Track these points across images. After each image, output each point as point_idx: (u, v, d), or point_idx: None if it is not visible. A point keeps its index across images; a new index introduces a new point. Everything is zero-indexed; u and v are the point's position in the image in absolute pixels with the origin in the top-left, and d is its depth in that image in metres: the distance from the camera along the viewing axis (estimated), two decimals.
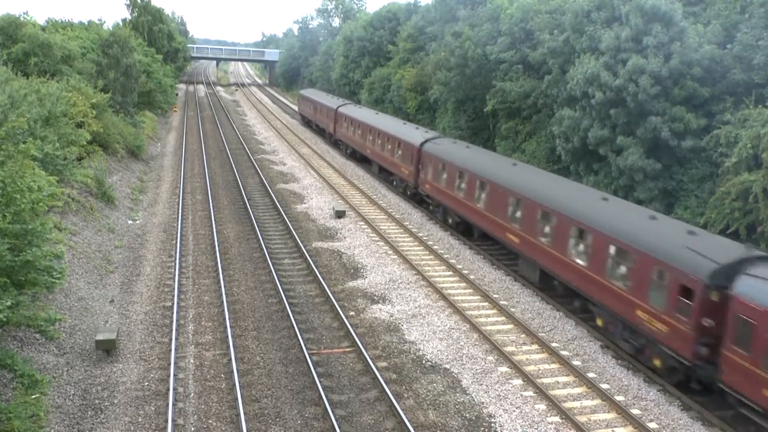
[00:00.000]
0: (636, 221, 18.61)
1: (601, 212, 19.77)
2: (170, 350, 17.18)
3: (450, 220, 29.87)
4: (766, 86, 24.55)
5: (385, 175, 40.13)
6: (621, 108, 27.95)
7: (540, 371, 17.34)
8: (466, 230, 28.69)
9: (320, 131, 59.49)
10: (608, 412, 15.62)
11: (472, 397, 16.00)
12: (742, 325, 14.15)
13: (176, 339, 17.90)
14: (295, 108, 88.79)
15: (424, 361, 17.69)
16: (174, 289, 21.34)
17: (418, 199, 34.08)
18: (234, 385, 15.67)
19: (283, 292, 21.38)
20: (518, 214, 23.31)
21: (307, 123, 66.53)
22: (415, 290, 22.62)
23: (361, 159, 46.05)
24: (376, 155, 40.08)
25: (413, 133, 35.14)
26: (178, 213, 30.50)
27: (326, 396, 15.25)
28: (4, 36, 40.68)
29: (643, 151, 27.40)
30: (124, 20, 74.68)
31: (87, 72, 42.80)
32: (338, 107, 50.94)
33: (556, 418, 15.17)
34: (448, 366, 17.46)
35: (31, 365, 14.84)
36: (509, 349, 18.46)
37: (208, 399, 15.28)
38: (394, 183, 38.03)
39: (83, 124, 32.08)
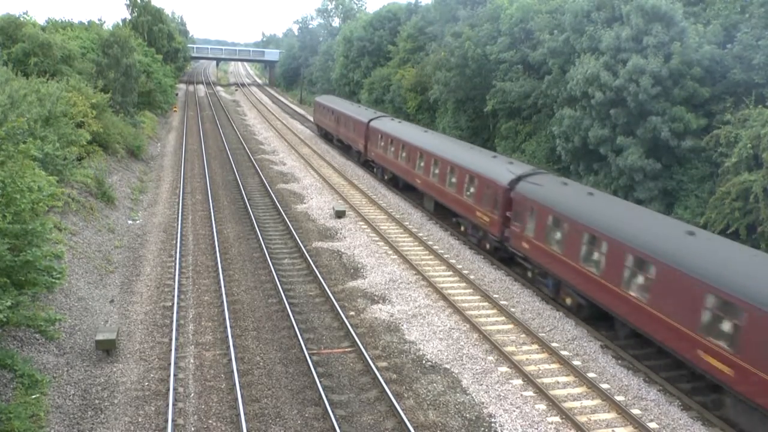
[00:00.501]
0: None
1: None
2: (170, 350, 17.18)
3: (569, 300, 21.08)
4: (766, 86, 24.55)
5: (444, 213, 31.37)
6: (621, 108, 27.96)
7: (540, 371, 17.34)
8: (596, 316, 19.99)
9: (344, 148, 49.90)
10: (608, 412, 15.63)
11: (472, 397, 16.00)
12: None
13: (176, 339, 17.90)
14: (296, 108, 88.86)
15: (424, 361, 17.69)
16: (174, 289, 21.34)
17: (502, 256, 25.50)
18: (234, 385, 15.67)
19: (283, 292, 21.38)
20: (726, 325, 14.52)
21: (325, 135, 57.19)
22: (415, 290, 22.63)
23: (405, 188, 36.69)
24: (431, 188, 31.16)
25: (495, 166, 26.16)
26: (178, 213, 30.50)
27: (326, 396, 15.25)
28: (4, 36, 40.68)
29: (643, 151, 27.42)
30: (124, 20, 74.72)
31: (87, 72, 42.81)
32: (370, 121, 41.50)
33: (556, 418, 15.17)
34: (448, 366, 17.46)
35: (31, 365, 14.86)
36: (509, 349, 18.46)
37: (208, 399, 15.28)
38: (463, 228, 28.83)
39: (83, 124, 32.10)
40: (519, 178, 24.03)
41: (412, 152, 33.66)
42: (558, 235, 20.92)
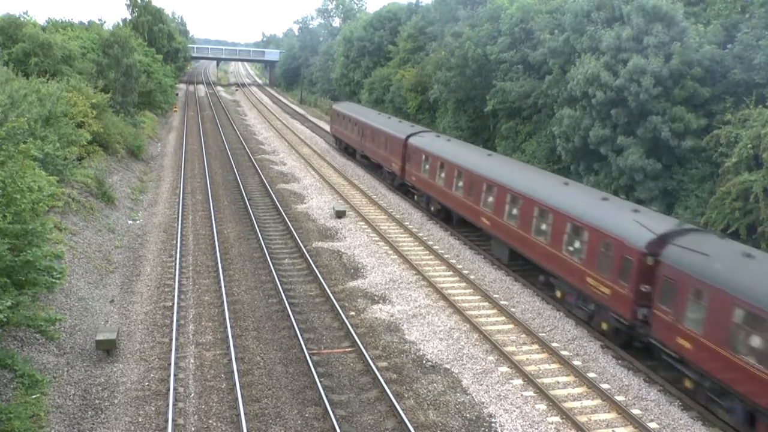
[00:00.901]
0: None
1: None
2: (170, 350, 17.18)
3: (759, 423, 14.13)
4: (767, 86, 24.55)
5: (524, 265, 24.06)
6: (621, 108, 27.96)
7: (540, 371, 17.33)
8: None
9: (371, 166, 42.74)
10: (608, 412, 15.62)
11: (472, 397, 16.00)
12: None
13: (176, 339, 17.90)
14: (296, 108, 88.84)
15: (424, 361, 17.68)
16: (174, 289, 21.34)
17: (626, 341, 18.59)
18: (234, 385, 15.67)
19: (284, 292, 21.38)
20: None
21: (345, 150, 49.68)
22: (415, 290, 22.62)
23: (461, 223, 29.46)
24: (507, 233, 23.99)
25: (615, 215, 19.17)
26: (178, 213, 30.50)
27: (326, 396, 15.25)
28: (5, 36, 40.71)
29: (644, 151, 27.42)
30: (124, 20, 74.81)
31: (87, 72, 42.82)
32: (409, 137, 34.44)
33: (557, 418, 15.17)
34: (448, 366, 17.46)
35: (32, 365, 14.86)
36: (509, 349, 18.46)
37: (208, 399, 15.28)
38: (560, 294, 21.46)
39: (83, 124, 32.12)
40: (663, 240, 16.99)
41: (476, 183, 26.37)
42: (758, 342, 13.78)
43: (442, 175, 29.68)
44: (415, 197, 34.50)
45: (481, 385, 16.53)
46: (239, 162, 44.96)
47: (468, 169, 27.33)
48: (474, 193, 26.54)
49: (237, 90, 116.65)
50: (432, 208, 31.99)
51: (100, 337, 16.82)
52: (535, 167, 29.42)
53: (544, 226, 21.71)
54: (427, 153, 31.61)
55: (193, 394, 15.43)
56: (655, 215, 19.54)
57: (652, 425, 15.09)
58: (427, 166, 31.52)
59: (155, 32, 77.69)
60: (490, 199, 25.25)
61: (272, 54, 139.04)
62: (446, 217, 30.73)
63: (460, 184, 27.91)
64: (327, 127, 66.61)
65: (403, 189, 36.31)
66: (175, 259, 24.19)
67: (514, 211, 23.49)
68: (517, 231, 23.31)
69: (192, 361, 17.01)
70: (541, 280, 22.76)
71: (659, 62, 26.64)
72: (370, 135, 40.95)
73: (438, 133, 36.67)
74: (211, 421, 14.39)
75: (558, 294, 21.64)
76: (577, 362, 17.95)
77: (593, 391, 16.45)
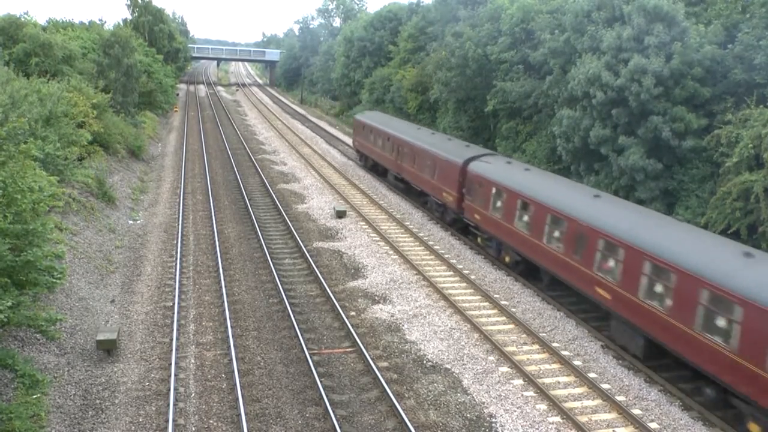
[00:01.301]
0: None
1: None
2: (171, 350, 17.19)
3: None
4: (767, 86, 24.53)
5: (656, 351, 17.26)
6: (622, 108, 27.95)
7: (541, 371, 17.34)
8: None
9: (411, 191, 35.72)
10: (609, 412, 15.62)
11: (472, 397, 16.00)
12: None
13: (177, 339, 17.91)
14: (296, 108, 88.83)
15: (424, 361, 17.69)
16: (175, 289, 21.34)
17: None
18: (235, 385, 15.68)
19: (284, 292, 21.39)
20: None
21: (373, 168, 42.49)
22: (415, 290, 22.62)
23: (553, 283, 22.23)
24: (646, 318, 16.79)
25: None
26: (178, 213, 30.51)
27: (327, 396, 15.25)
28: (5, 36, 40.74)
29: (644, 151, 27.40)
30: (124, 20, 74.84)
31: (88, 72, 42.87)
32: (469, 162, 27.71)
33: (557, 418, 15.17)
34: (449, 366, 17.46)
35: (32, 365, 14.88)
36: (510, 349, 18.46)
37: (209, 399, 15.29)
38: (752, 423, 14.04)
39: (84, 125, 32.14)
40: None
41: (587, 238, 19.25)
42: None
43: (525, 218, 22.59)
44: (479, 240, 26.98)
45: (482, 385, 16.54)
46: (240, 162, 44.96)
47: (572, 216, 19.96)
48: (583, 253, 19.34)
49: (237, 90, 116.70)
50: (507, 259, 24.68)
51: (100, 337, 16.82)
52: (683, 221, 20.32)
53: (721, 322, 14.33)
54: (500, 186, 24.43)
55: (193, 394, 15.43)
56: None
57: (653, 425, 15.09)
58: (499, 203, 24.34)
59: (156, 32, 77.72)
60: (612, 263, 18.20)
61: (273, 54, 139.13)
62: (526, 271, 23.74)
63: (557, 234, 20.85)
64: (328, 128, 66.81)
65: (459, 225, 29.15)
66: (176, 259, 24.19)
67: (658, 288, 16.39)
68: (664, 317, 15.92)
69: (192, 361, 17.02)
70: (708, 395, 15.43)
71: (660, 62, 26.62)
72: (410, 155, 34.11)
73: (508, 158, 29.00)
74: (211, 421, 14.40)
75: (753, 430, 13.84)
76: (577, 362, 17.95)
77: (594, 391, 16.45)
